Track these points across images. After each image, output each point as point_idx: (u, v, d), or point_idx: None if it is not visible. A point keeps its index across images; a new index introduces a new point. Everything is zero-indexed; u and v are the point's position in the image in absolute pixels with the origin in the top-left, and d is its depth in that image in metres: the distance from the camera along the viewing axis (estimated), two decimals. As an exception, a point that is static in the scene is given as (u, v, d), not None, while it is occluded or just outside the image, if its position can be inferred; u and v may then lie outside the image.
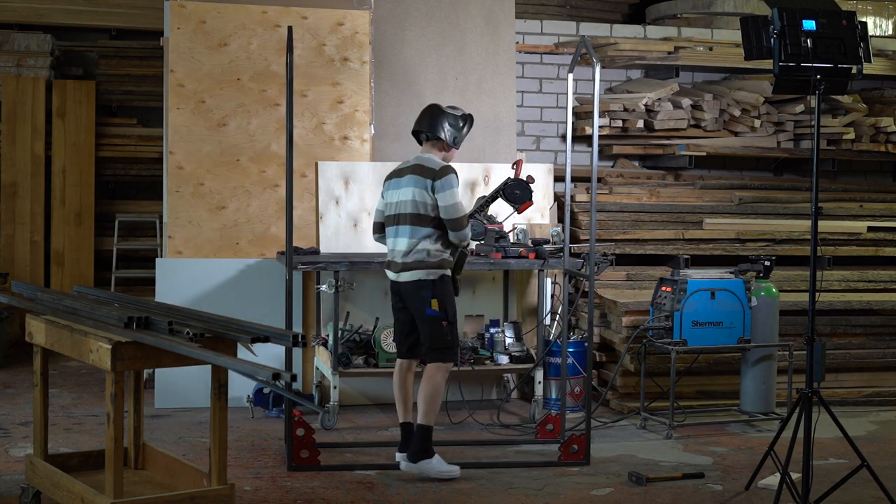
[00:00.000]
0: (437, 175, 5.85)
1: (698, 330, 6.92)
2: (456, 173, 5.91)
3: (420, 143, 6.11)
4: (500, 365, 7.21)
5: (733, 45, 8.70)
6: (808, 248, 7.22)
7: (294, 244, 6.17)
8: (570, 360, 7.16)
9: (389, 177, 6.09)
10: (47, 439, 5.14)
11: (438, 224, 5.87)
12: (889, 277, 8.40)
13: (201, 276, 7.46)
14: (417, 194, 5.86)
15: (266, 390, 7.16)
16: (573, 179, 7.77)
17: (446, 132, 5.98)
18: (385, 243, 6.08)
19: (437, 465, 5.80)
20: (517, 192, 7.25)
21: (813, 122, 5.17)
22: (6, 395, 7.74)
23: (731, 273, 7.12)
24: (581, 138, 8.77)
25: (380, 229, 6.11)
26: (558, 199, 8.03)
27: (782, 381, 7.22)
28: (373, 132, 7.84)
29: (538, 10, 10.05)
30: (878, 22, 10.54)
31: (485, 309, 7.71)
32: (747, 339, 7.01)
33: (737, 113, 8.65)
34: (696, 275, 7.05)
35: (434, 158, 5.97)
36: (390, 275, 6.00)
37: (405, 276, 5.88)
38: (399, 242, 5.92)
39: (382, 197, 6.09)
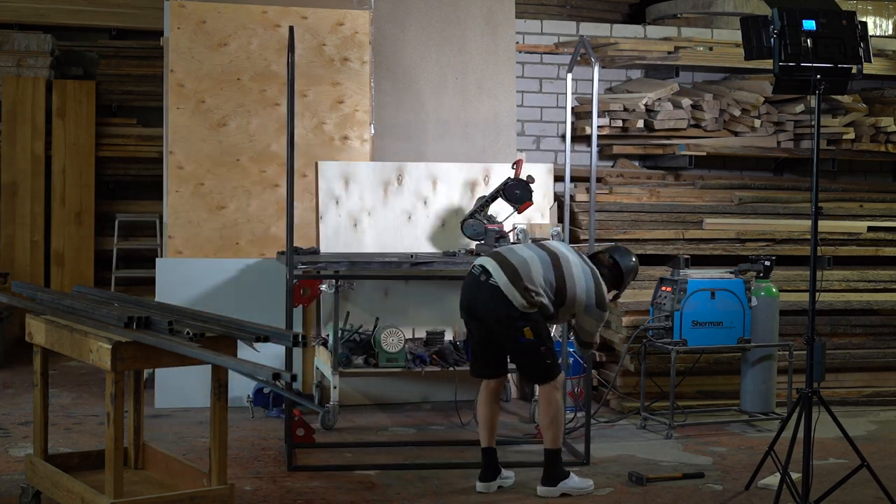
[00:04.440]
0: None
1: (698, 330, 6.92)
2: None
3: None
4: (500, 365, 7.19)
5: (733, 45, 8.70)
6: (808, 248, 7.21)
7: (294, 244, 6.17)
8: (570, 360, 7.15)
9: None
10: (47, 439, 5.13)
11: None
12: (889, 277, 8.39)
13: (201, 276, 7.46)
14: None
15: (266, 390, 7.16)
16: (573, 179, 7.77)
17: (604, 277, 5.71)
18: None
19: (576, 482, 5.61)
20: (517, 192, 7.27)
21: (813, 122, 5.17)
22: (6, 395, 7.74)
23: (731, 273, 7.12)
24: (581, 138, 8.76)
25: None
26: (558, 199, 8.02)
27: (782, 381, 7.22)
28: (373, 132, 7.84)
29: (538, 10, 10.05)
30: (878, 22, 10.55)
31: (485, 309, 7.69)
32: (747, 339, 7.01)
33: (737, 113, 8.64)
34: (696, 275, 7.04)
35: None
36: None
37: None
38: None
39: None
